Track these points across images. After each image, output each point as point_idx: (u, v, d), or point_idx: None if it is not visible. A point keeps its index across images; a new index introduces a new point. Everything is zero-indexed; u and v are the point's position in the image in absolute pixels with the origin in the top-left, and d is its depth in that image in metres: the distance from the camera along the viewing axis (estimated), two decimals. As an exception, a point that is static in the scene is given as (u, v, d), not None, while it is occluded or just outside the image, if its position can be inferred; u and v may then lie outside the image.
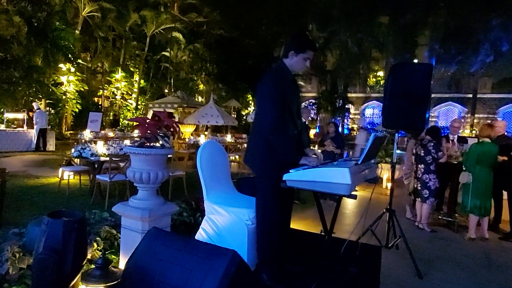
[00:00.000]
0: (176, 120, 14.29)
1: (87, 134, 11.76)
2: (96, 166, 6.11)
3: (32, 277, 2.35)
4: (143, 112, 21.77)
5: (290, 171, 2.39)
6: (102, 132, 14.03)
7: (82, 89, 18.41)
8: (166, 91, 24.35)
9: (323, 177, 2.27)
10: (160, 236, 2.19)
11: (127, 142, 7.83)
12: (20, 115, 14.30)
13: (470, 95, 26.38)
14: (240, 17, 21.63)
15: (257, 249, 2.67)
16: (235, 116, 23.07)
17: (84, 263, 2.44)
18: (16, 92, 14.48)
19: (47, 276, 2.19)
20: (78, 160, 6.74)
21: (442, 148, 5.52)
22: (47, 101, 17.10)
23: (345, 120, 23.93)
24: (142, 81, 23.23)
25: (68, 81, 17.47)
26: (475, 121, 25.65)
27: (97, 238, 3.15)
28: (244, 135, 15.83)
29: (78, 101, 18.09)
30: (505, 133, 6.01)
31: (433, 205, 5.56)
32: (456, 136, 6.41)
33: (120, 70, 21.74)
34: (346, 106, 24.34)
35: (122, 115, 22.22)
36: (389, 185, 5.11)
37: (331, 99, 22.47)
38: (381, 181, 8.36)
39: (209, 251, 1.99)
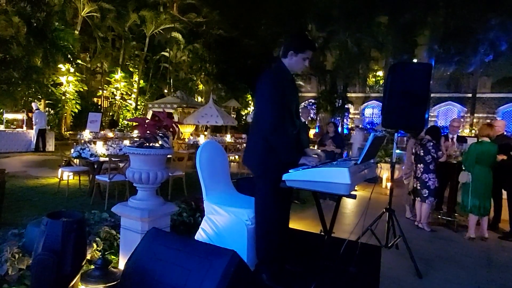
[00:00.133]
0: (176, 120, 14.30)
1: (86, 134, 11.76)
2: (95, 166, 6.11)
3: (31, 278, 2.34)
4: (143, 112, 21.76)
5: (289, 171, 2.39)
6: (102, 132, 14.03)
7: (82, 90, 18.41)
8: (166, 91, 24.34)
9: (323, 177, 2.27)
10: (159, 237, 2.19)
11: (126, 142, 7.83)
12: (20, 116, 14.30)
13: (470, 95, 26.42)
14: (240, 17, 21.63)
15: (256, 249, 2.67)
16: (235, 116, 23.07)
17: (83, 264, 2.44)
18: (16, 93, 14.47)
19: (47, 276, 2.18)
20: (78, 160, 6.74)
21: (442, 147, 5.53)
22: (47, 101, 17.11)
23: (345, 120, 23.93)
24: (141, 81, 23.22)
25: (68, 82, 17.47)
26: (475, 120, 25.68)
27: (97, 239, 3.15)
28: (244, 135, 15.82)
29: (78, 102, 18.09)
30: (504, 133, 6.02)
31: (433, 205, 5.56)
32: (455, 136, 6.42)
33: (119, 71, 21.74)
34: (346, 106, 24.35)
35: (121, 116, 22.21)
36: (389, 184, 5.11)
37: (331, 99, 22.46)
38: (380, 181, 8.36)
39: (209, 251, 1.98)
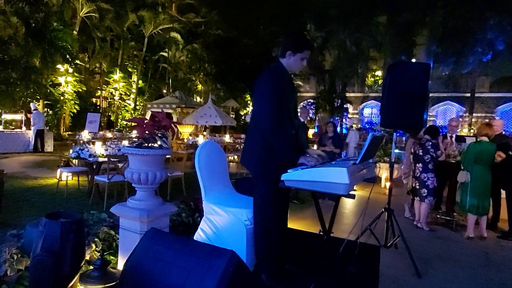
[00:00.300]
0: (175, 120, 14.30)
1: (85, 135, 11.73)
2: (94, 167, 6.10)
3: (30, 279, 2.34)
4: (142, 112, 21.74)
5: (288, 171, 2.39)
6: (100, 132, 14.01)
7: (80, 90, 18.38)
8: (165, 91, 24.33)
9: (321, 177, 2.27)
10: (158, 237, 2.18)
11: (125, 142, 7.81)
12: (18, 116, 14.27)
13: (468, 94, 26.47)
14: (238, 17, 21.64)
15: (255, 249, 2.67)
16: (234, 116, 23.07)
17: (82, 264, 2.43)
18: (14, 93, 14.45)
19: (45, 277, 2.18)
20: (76, 161, 6.73)
21: (441, 146, 5.54)
22: (45, 102, 17.08)
23: (344, 120, 23.94)
24: (140, 82, 23.21)
25: (66, 82, 17.44)
26: (473, 120, 25.72)
27: (96, 239, 3.15)
28: (243, 135, 15.80)
29: (76, 102, 18.07)
30: (503, 132, 6.03)
31: (432, 204, 5.57)
32: (454, 135, 6.43)
33: (118, 71, 21.72)
34: (345, 106, 24.36)
35: (120, 116, 22.19)
36: (388, 184, 5.12)
37: (330, 99, 22.49)
38: (379, 181, 8.37)
39: (208, 251, 1.98)
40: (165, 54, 22.95)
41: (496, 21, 18.85)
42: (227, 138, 13.44)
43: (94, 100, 22.94)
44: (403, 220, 5.59)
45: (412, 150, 5.49)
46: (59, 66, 16.59)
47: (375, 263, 3.01)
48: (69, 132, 16.86)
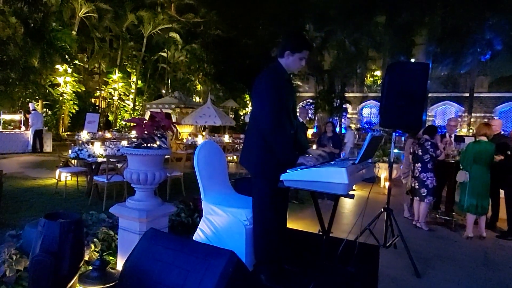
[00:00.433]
0: (174, 120, 14.28)
1: (84, 135, 11.72)
2: (93, 167, 6.09)
3: (29, 279, 2.34)
4: (141, 112, 21.72)
5: (287, 171, 2.39)
6: (99, 133, 14.00)
7: (79, 90, 18.36)
8: (164, 91, 24.31)
9: (321, 176, 2.27)
10: (157, 237, 2.18)
11: (124, 143, 7.80)
12: (17, 117, 14.25)
13: (467, 94, 26.51)
14: (238, 17, 21.64)
15: (254, 249, 2.67)
16: (233, 117, 23.06)
17: (81, 265, 2.43)
18: (13, 93, 14.42)
19: (44, 278, 2.18)
20: (75, 161, 6.72)
21: (440, 145, 5.54)
22: (44, 102, 17.05)
23: (343, 120, 23.96)
24: (139, 82, 23.18)
25: (65, 82, 17.42)
26: (472, 120, 25.76)
27: (95, 240, 3.15)
28: (242, 135, 15.80)
29: (75, 102, 18.03)
30: (501, 132, 6.04)
31: (431, 204, 5.57)
32: (453, 135, 6.44)
33: (117, 71, 21.69)
34: (344, 106, 24.38)
35: (119, 116, 22.17)
36: (387, 184, 5.12)
37: (329, 99, 22.52)
38: (378, 181, 8.37)
39: (207, 251, 1.98)
40: (164, 54, 22.94)
41: (495, 21, 18.89)
42: (226, 138, 13.43)
43: (93, 100, 22.90)
44: (402, 220, 5.59)
45: (411, 150, 5.50)
46: (58, 66, 16.56)
47: (374, 263, 3.01)
48: (68, 133, 16.83)
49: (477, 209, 4.90)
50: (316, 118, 23.94)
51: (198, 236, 3.00)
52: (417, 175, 5.28)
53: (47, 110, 17.74)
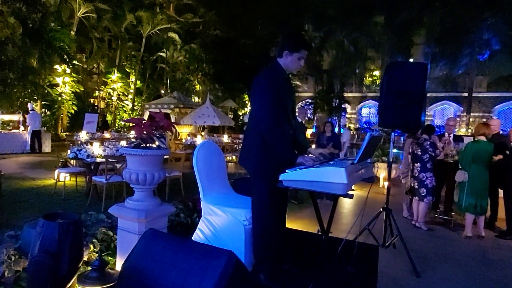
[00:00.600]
0: (173, 120, 14.26)
1: (83, 135, 11.71)
2: (92, 167, 6.09)
3: (27, 280, 2.33)
4: (140, 113, 21.71)
5: (286, 171, 2.39)
6: (98, 133, 13.98)
7: (78, 90, 18.35)
8: (163, 91, 24.30)
9: (320, 176, 2.27)
10: (156, 237, 2.18)
11: (123, 143, 7.80)
12: (16, 117, 14.23)
13: (466, 94, 26.57)
14: (237, 17, 21.66)
15: (254, 249, 2.67)
16: (232, 117, 23.06)
17: (80, 265, 2.43)
18: (11, 94, 14.41)
19: (43, 278, 2.17)
20: (74, 161, 6.71)
21: (439, 145, 5.55)
22: (43, 102, 17.03)
23: (342, 120, 24.00)
24: (138, 82, 23.17)
25: (64, 82, 17.40)
26: (471, 119, 25.81)
27: (94, 240, 3.14)
28: (241, 135, 15.79)
29: (74, 102, 18.03)
30: (500, 132, 6.05)
31: (430, 204, 5.58)
32: (452, 135, 6.45)
33: (116, 71, 21.68)
34: (343, 106, 24.42)
35: (118, 116, 22.15)
36: (386, 184, 5.13)
37: (328, 99, 22.55)
38: (377, 180, 8.38)
39: (206, 252, 1.98)
40: (163, 54, 22.93)
41: (493, 21, 18.93)
42: (225, 138, 13.43)
43: (92, 100, 22.89)
44: (401, 220, 5.60)
45: (411, 150, 5.50)
46: (56, 66, 16.56)
47: (374, 262, 3.01)
48: (67, 133, 16.81)
49: (476, 209, 4.91)
50: (315, 118, 23.97)
51: (197, 236, 3.00)
52: (416, 175, 5.28)
53: (46, 110, 17.72)
